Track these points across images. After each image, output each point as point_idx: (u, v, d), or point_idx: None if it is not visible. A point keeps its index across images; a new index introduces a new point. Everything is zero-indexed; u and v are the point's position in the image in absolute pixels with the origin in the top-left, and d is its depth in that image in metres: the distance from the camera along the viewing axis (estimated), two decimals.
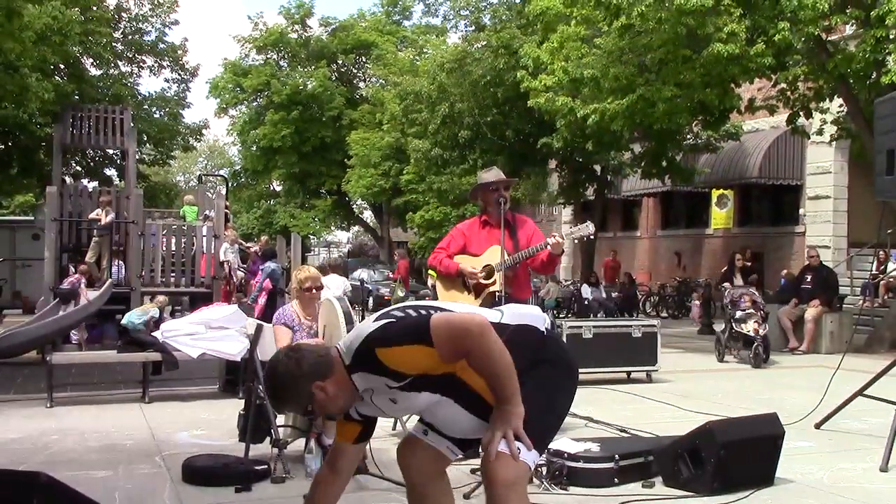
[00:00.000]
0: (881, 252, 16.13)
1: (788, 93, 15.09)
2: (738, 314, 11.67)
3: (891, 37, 12.14)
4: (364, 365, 2.74)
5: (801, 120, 15.75)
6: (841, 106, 15.14)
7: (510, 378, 2.70)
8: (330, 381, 2.75)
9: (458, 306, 3.05)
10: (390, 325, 2.76)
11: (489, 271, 5.48)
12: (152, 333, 8.75)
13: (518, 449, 2.67)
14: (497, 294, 5.31)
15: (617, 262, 24.26)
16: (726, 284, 12.76)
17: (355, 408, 2.91)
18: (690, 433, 5.00)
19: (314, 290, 5.66)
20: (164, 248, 13.88)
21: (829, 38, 14.19)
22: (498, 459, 2.67)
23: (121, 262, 13.29)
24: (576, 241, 5.52)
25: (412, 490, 3.05)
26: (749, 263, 14.16)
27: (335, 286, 12.54)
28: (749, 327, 11.48)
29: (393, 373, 2.71)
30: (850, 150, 18.34)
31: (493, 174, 5.84)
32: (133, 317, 12.02)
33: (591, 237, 5.77)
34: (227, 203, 18.20)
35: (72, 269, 12.95)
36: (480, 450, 2.81)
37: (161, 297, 12.51)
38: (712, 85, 13.82)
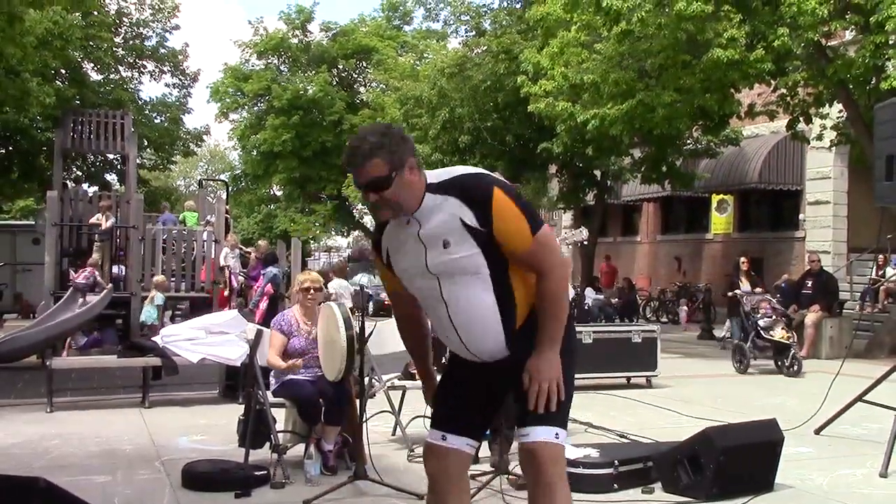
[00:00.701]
0: (880, 257, 16.12)
1: (788, 98, 15.10)
2: (764, 322, 11.26)
3: (890, 42, 12.16)
4: (461, 191, 2.68)
5: (801, 125, 15.76)
6: (841, 111, 15.15)
7: (561, 324, 2.76)
8: (416, 171, 2.70)
9: None
10: (511, 185, 2.78)
11: None
12: (152, 339, 8.75)
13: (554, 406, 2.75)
14: None
15: (612, 266, 24.20)
16: (738, 291, 12.48)
17: (387, 249, 2.86)
18: (690, 439, 5.00)
19: (313, 292, 5.68)
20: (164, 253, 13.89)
21: (828, 44, 14.20)
22: (541, 442, 2.74)
23: (122, 266, 13.29)
24: (569, 246, 5.56)
25: (434, 496, 3.02)
26: (753, 273, 14.03)
27: (338, 292, 12.58)
28: (778, 334, 11.11)
29: (487, 217, 2.65)
30: (849, 155, 18.34)
31: None
32: (147, 313, 12.20)
33: (585, 242, 5.82)
34: (228, 208, 18.21)
35: (72, 272, 12.96)
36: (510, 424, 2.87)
37: (157, 278, 12.56)
38: (712, 90, 13.84)
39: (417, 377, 3.39)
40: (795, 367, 10.84)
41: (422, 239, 2.74)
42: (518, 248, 2.69)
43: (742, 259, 13.63)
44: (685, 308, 20.36)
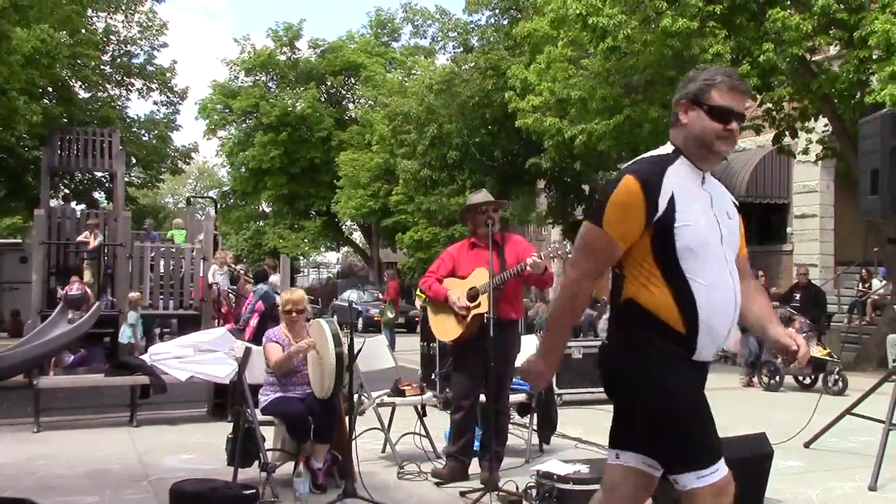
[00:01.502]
0: (864, 270, 16.19)
1: (774, 113, 15.21)
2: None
3: (874, 57, 12.28)
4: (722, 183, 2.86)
5: (787, 139, 15.87)
6: (826, 125, 15.27)
7: None
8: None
9: None
10: None
11: (474, 294, 5.49)
12: (140, 356, 8.70)
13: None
14: (484, 316, 5.32)
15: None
16: None
17: (673, 193, 2.61)
18: None
19: (294, 314, 5.67)
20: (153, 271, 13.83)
21: (813, 59, 14.33)
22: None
23: (109, 297, 13.20)
24: (553, 260, 5.58)
25: None
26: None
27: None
28: (814, 350, 10.54)
29: (737, 211, 2.83)
30: (835, 168, 18.47)
31: (480, 196, 5.89)
32: (126, 334, 12.03)
33: (568, 255, 5.82)
34: (217, 225, 18.15)
35: (60, 289, 12.89)
36: None
37: (133, 294, 12.44)
38: None
39: (545, 354, 2.80)
40: (840, 385, 10.23)
41: (712, 201, 2.73)
42: (743, 248, 2.85)
43: (760, 272, 13.14)
44: None
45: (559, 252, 5.61)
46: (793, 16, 12.45)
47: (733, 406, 9.51)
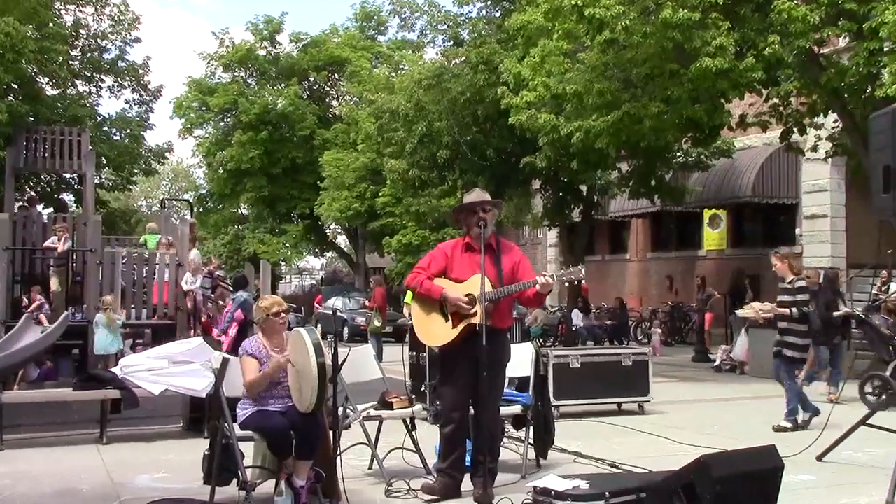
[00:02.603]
0: (883, 272, 16.18)
1: (781, 108, 15.25)
2: None
3: (885, 49, 12.31)
4: None
5: (795, 136, 15.91)
6: (836, 121, 15.31)
7: None
8: None
9: None
10: None
11: (471, 301, 5.48)
12: (111, 369, 8.64)
13: None
14: (478, 325, 5.31)
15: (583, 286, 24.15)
16: (860, 312, 10.94)
17: None
18: (685, 468, 4.98)
19: (282, 315, 5.65)
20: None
21: (821, 52, 14.36)
22: None
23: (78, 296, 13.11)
24: (566, 284, 5.60)
25: None
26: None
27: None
28: None
29: None
30: (846, 166, 18.52)
31: (474, 195, 5.90)
32: (106, 341, 11.82)
33: (583, 279, 5.87)
34: (195, 233, 18.02)
35: (26, 299, 12.80)
36: None
37: (106, 298, 12.31)
38: (701, 100, 13.94)
39: None
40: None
41: None
42: None
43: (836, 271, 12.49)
44: (658, 331, 20.20)
45: (572, 276, 5.64)
46: (799, 6, 12.47)
47: (747, 417, 9.52)
